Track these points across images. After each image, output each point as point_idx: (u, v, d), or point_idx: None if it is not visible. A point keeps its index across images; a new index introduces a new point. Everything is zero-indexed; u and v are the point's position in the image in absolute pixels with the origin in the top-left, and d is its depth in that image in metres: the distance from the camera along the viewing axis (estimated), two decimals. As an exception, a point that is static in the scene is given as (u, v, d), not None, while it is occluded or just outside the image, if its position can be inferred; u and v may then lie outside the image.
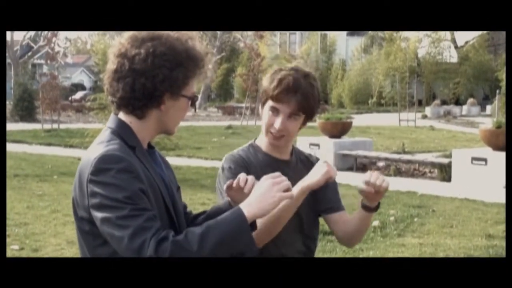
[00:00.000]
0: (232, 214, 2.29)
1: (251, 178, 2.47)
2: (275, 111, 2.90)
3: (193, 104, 2.49)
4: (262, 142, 3.03)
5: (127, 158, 2.33)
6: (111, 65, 2.43)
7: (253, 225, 2.35)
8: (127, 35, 2.46)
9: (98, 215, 2.28)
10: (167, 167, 2.61)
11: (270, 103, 2.90)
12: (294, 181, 2.68)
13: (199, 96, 43.04)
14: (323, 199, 3.05)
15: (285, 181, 2.34)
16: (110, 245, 2.32)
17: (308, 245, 3.07)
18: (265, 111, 2.93)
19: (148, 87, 2.37)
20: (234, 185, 2.50)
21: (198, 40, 2.48)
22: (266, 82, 2.93)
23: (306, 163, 3.06)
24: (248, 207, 2.28)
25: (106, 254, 2.35)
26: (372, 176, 2.77)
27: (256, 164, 2.98)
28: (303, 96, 2.88)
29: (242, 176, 2.48)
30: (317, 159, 3.08)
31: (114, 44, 2.47)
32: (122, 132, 2.43)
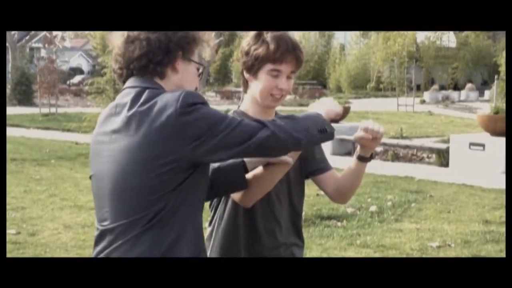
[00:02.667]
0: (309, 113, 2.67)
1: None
2: (275, 72, 2.88)
3: (200, 75, 2.57)
4: (247, 107, 3.01)
5: None
6: (121, 36, 2.50)
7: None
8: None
9: (212, 142, 2.35)
10: None
11: (269, 66, 2.87)
12: None
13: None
14: (311, 161, 3.07)
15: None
16: (185, 183, 2.38)
17: (294, 221, 3.07)
18: (262, 76, 2.90)
19: (162, 40, 2.45)
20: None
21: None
22: (260, 47, 2.87)
23: None
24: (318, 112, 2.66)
25: (177, 202, 2.39)
26: (369, 123, 2.83)
27: None
28: (300, 52, 2.91)
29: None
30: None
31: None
32: (160, 88, 2.47)
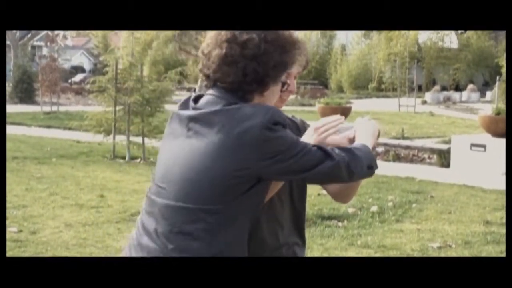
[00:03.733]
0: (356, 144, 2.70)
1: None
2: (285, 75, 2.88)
3: (285, 88, 2.62)
4: None
5: None
6: (219, 50, 2.48)
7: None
8: None
9: (284, 163, 2.42)
10: None
11: None
12: None
13: (202, 85, 43.04)
14: None
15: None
16: (247, 192, 2.45)
17: (296, 221, 3.06)
18: None
19: (259, 72, 2.45)
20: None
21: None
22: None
23: (291, 125, 3.05)
24: (366, 138, 2.73)
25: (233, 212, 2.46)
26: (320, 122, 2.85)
27: None
28: (307, 52, 2.90)
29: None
30: (301, 120, 3.10)
31: (212, 31, 2.56)
32: None
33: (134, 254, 2.54)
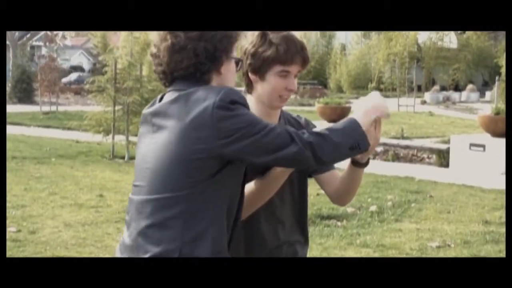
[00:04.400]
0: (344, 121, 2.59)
1: None
2: (284, 73, 2.86)
3: (239, 67, 2.65)
4: (252, 108, 2.93)
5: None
6: (165, 43, 2.52)
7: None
8: None
9: (241, 143, 2.40)
10: None
11: (278, 67, 2.85)
12: None
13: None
14: None
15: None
16: (216, 176, 2.44)
17: (297, 218, 3.05)
18: (271, 77, 2.86)
19: (209, 49, 2.49)
20: None
21: None
22: (269, 49, 2.84)
23: (295, 124, 3.04)
24: (364, 113, 2.61)
25: (203, 189, 2.44)
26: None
27: None
28: (307, 52, 2.92)
29: None
30: (306, 120, 3.09)
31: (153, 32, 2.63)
32: None
33: (118, 253, 2.57)
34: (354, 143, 2.51)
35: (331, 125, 2.58)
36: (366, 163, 2.89)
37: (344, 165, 2.89)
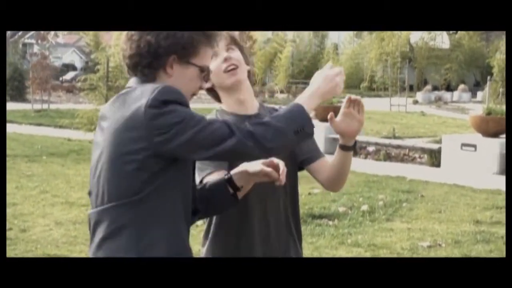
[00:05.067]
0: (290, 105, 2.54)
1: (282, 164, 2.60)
2: (213, 55, 2.85)
3: (205, 78, 2.52)
4: (226, 104, 3.04)
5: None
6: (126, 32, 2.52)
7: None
8: None
9: (176, 140, 2.33)
10: None
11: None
12: None
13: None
14: (301, 149, 3.04)
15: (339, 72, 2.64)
16: (156, 181, 2.37)
17: (288, 213, 3.06)
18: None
19: (152, 43, 2.42)
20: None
21: None
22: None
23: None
24: (314, 90, 2.60)
25: (150, 190, 2.39)
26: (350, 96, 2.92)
27: None
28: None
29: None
30: None
31: None
32: None
33: None
34: (298, 127, 2.45)
35: (276, 114, 2.52)
36: (354, 146, 2.93)
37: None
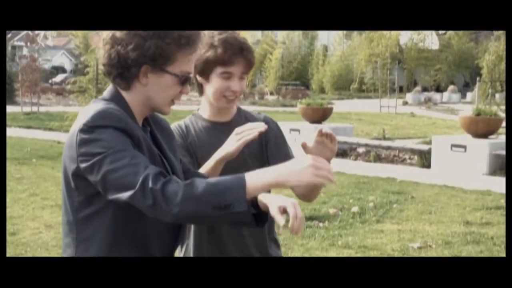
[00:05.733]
0: (234, 175, 2.26)
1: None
2: (226, 75, 2.93)
3: (183, 83, 2.44)
4: (203, 109, 3.09)
5: (126, 119, 2.33)
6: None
7: (264, 217, 2.34)
8: None
9: (94, 172, 2.26)
10: (171, 138, 2.63)
11: (220, 69, 2.92)
12: None
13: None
14: (270, 156, 3.05)
15: (327, 170, 2.24)
16: (94, 204, 2.33)
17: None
18: (214, 78, 2.95)
19: (122, 54, 2.36)
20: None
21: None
22: (209, 51, 2.92)
23: (252, 121, 3.07)
24: (275, 175, 2.22)
25: (88, 213, 2.35)
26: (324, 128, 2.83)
27: (194, 131, 3.05)
28: (250, 53, 2.96)
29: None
30: (265, 118, 3.12)
31: None
32: (116, 101, 2.42)
33: None
34: (222, 204, 2.16)
35: (219, 178, 2.29)
36: None
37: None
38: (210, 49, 2.91)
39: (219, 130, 3.01)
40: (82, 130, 2.28)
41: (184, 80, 2.44)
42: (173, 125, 3.05)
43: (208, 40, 2.91)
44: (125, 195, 2.21)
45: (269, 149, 3.03)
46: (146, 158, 2.28)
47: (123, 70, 2.39)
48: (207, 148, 2.97)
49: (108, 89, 2.47)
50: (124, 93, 2.43)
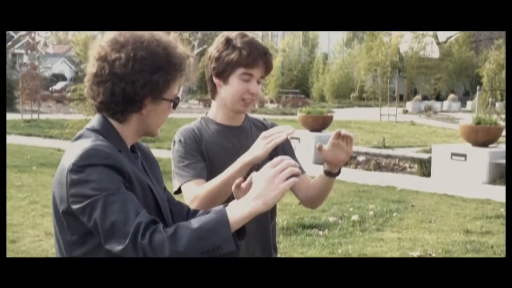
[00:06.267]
0: (214, 211, 2.22)
1: None
2: (247, 77, 2.93)
3: (174, 106, 2.45)
4: (215, 113, 3.08)
5: (115, 155, 2.29)
6: (91, 68, 2.39)
7: (242, 232, 2.28)
8: (107, 37, 2.40)
9: (85, 215, 2.23)
10: (155, 166, 2.59)
11: (241, 70, 2.93)
12: (249, 146, 2.78)
13: (180, 92, 42.89)
14: None
15: (287, 168, 2.21)
16: (87, 244, 2.30)
17: (263, 224, 3.08)
18: (234, 80, 2.95)
19: (128, 91, 2.33)
20: (244, 185, 2.44)
21: (179, 43, 2.44)
22: (232, 53, 2.92)
23: (261, 127, 3.11)
24: (251, 202, 2.18)
25: (81, 253, 2.33)
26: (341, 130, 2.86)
27: (207, 135, 3.04)
28: (270, 57, 2.97)
29: (254, 175, 2.37)
30: (272, 124, 3.13)
31: (94, 46, 2.42)
32: (106, 133, 2.39)
33: None
34: (210, 248, 2.15)
35: (201, 218, 2.22)
36: (338, 173, 2.97)
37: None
38: (233, 51, 2.91)
39: (233, 134, 3.02)
40: (71, 170, 2.24)
41: (175, 104, 2.45)
42: (183, 128, 3.06)
43: (228, 43, 2.93)
44: (116, 248, 2.17)
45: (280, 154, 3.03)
46: (136, 199, 2.25)
47: (127, 106, 2.37)
48: (220, 152, 2.98)
49: (98, 120, 2.42)
50: (116, 124, 2.41)
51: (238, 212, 2.19)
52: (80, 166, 2.24)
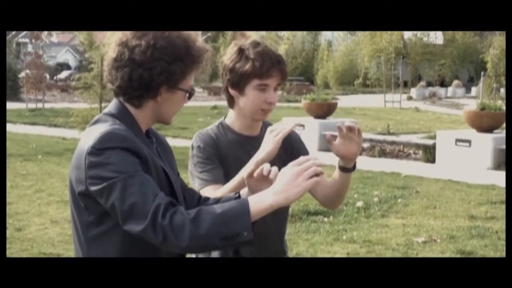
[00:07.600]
0: (237, 200, 2.31)
1: (275, 168, 2.43)
2: (262, 87, 2.92)
3: (190, 97, 2.50)
4: (233, 121, 3.06)
5: (132, 138, 2.34)
6: (112, 53, 2.44)
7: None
8: None
9: (103, 197, 2.28)
10: (169, 153, 2.62)
11: (256, 82, 2.90)
12: None
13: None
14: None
15: (311, 168, 2.26)
16: (103, 224, 2.35)
17: (278, 226, 3.12)
18: (250, 91, 2.93)
19: (145, 78, 2.38)
20: (256, 174, 2.47)
21: (199, 37, 2.48)
22: (246, 64, 2.90)
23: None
24: (273, 196, 2.23)
25: (98, 233, 2.37)
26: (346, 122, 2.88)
27: (225, 143, 3.03)
28: (284, 65, 2.96)
29: (266, 166, 2.45)
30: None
31: (117, 32, 2.47)
32: (122, 117, 2.44)
33: None
34: (230, 234, 2.19)
35: (223, 205, 2.27)
36: (354, 168, 2.97)
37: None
38: (246, 62, 2.90)
39: (250, 145, 2.99)
40: (90, 153, 2.29)
41: (191, 95, 2.50)
42: (201, 134, 3.04)
43: (241, 53, 2.92)
44: (135, 228, 2.23)
45: (295, 154, 2.99)
46: (154, 181, 2.30)
47: (143, 92, 2.42)
48: (237, 162, 2.96)
49: (115, 105, 2.47)
50: (132, 109, 2.46)
51: (259, 204, 2.23)
52: (98, 149, 2.29)
